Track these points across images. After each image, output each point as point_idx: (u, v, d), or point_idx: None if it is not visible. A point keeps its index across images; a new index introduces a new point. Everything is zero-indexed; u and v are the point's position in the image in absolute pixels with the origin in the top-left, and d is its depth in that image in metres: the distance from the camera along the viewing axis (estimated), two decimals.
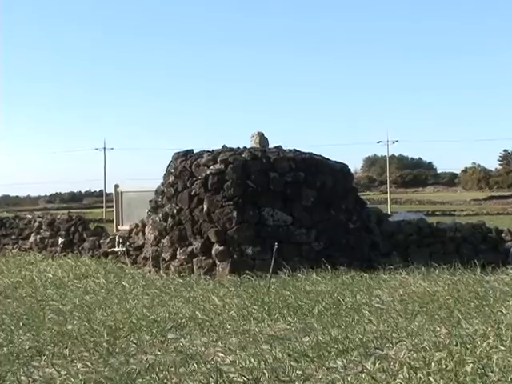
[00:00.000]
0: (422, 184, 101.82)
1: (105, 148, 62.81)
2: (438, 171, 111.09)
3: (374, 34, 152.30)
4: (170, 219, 12.25)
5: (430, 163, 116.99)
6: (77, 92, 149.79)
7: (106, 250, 14.17)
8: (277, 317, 7.48)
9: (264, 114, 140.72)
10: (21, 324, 7.60)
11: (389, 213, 22.43)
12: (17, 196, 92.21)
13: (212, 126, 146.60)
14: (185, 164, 12.40)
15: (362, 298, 8.57)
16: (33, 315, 8.18)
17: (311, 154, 12.77)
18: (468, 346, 5.57)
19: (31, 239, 16.16)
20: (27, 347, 6.43)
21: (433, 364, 5.10)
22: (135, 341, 6.53)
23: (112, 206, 19.48)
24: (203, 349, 6.16)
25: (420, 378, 4.78)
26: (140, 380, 5.22)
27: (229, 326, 7.05)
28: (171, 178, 12.58)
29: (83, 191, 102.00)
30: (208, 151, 12.66)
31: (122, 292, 9.92)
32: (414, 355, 5.44)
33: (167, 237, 12.22)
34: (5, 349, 6.42)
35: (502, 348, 5.44)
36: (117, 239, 13.89)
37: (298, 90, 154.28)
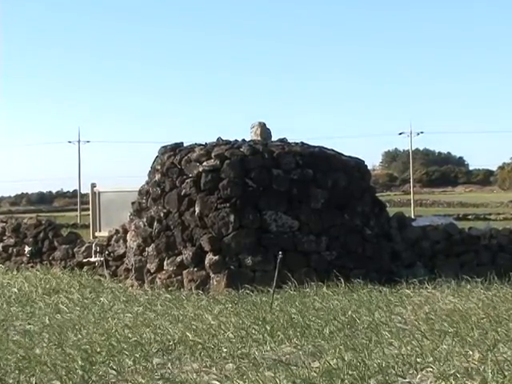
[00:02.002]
0: (451, 183, 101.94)
1: (79, 141, 62.90)
2: (471, 168, 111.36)
3: (390, 13, 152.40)
4: (155, 224, 12.26)
5: (460, 158, 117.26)
6: (47, 77, 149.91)
7: (80, 260, 14.18)
8: (281, 338, 7.49)
9: (266, 102, 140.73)
10: None
11: (412, 217, 22.41)
12: None
13: (205, 115, 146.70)
14: (173, 160, 12.41)
15: (381, 316, 8.57)
16: None
17: (321, 147, 12.78)
18: (506, 373, 5.57)
19: None
20: None
21: None
22: (115, 367, 6.52)
23: (88, 209, 19.50)
24: (195, 376, 6.15)
25: None
26: None
27: (225, 350, 7.05)
28: (157, 176, 12.59)
29: (54, 191, 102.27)
30: (200, 145, 12.67)
31: (99, 309, 9.92)
32: (442, 383, 5.44)
33: (153, 245, 12.22)
34: None
35: None
36: (93, 247, 13.90)
37: (304, 74, 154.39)
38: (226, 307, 9.58)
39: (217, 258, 11.50)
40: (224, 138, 12.85)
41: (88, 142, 64.55)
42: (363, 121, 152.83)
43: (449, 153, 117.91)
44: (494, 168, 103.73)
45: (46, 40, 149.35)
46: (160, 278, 11.93)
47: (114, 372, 6.37)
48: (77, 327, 8.54)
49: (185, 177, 12.14)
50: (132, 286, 12.25)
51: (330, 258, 11.69)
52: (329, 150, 12.86)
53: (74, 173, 63.46)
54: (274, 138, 13.15)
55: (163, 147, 13.06)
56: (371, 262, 11.93)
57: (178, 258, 11.85)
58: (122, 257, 13.33)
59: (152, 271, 12.14)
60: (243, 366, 6.43)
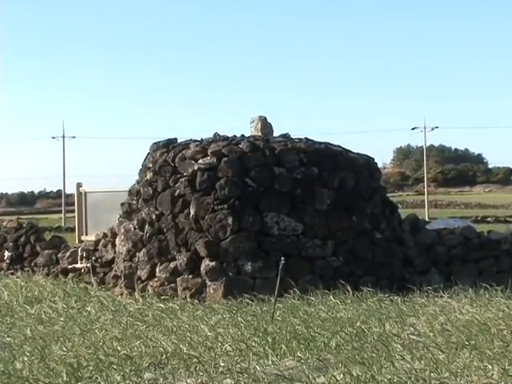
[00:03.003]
0: (468, 182, 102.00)
1: (64, 136, 62.94)
2: (490, 166, 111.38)
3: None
4: (147, 227, 12.26)
5: (479, 155, 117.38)
6: (27, 67, 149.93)
7: (65, 266, 14.18)
8: (283, 351, 7.49)
9: (267, 95, 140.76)
10: None
11: (426, 219, 22.46)
12: None
13: (201, 108, 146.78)
14: (166, 157, 12.42)
15: (393, 327, 8.58)
16: None
17: (327, 144, 12.80)
18: None
19: None
20: None
21: None
22: (103, 382, 6.53)
23: (73, 211, 19.50)
24: None
25: None
26: None
27: (222, 364, 7.04)
28: (149, 175, 12.60)
29: (36, 191, 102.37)
30: (196, 141, 12.68)
31: (85, 320, 9.93)
32: None
33: (144, 249, 12.23)
34: None
35: None
36: (79, 253, 13.90)
37: (308, 64, 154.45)
38: (224, 317, 9.58)
39: (213, 263, 11.50)
40: (221, 134, 12.86)
41: (73, 137, 64.68)
42: (373, 115, 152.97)
43: (466, 149, 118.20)
44: None
45: (27, 31, 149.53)
46: (152, 286, 11.94)
47: None
48: (61, 339, 8.53)
49: (179, 176, 12.14)
50: (121, 294, 12.25)
51: (337, 263, 11.69)
52: (335, 146, 12.87)
53: (59, 171, 63.28)
54: (276, 133, 13.16)
55: (155, 143, 13.08)
56: (381, 268, 11.94)
57: (172, 264, 11.85)
58: (110, 263, 13.33)
59: (143, 278, 12.14)
60: (242, 381, 6.43)
